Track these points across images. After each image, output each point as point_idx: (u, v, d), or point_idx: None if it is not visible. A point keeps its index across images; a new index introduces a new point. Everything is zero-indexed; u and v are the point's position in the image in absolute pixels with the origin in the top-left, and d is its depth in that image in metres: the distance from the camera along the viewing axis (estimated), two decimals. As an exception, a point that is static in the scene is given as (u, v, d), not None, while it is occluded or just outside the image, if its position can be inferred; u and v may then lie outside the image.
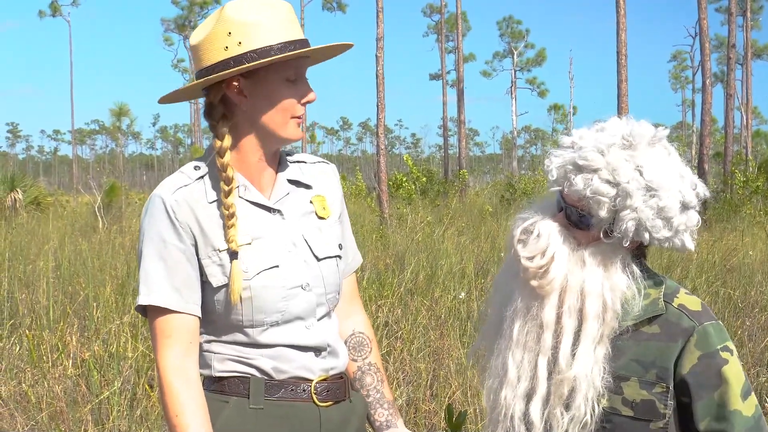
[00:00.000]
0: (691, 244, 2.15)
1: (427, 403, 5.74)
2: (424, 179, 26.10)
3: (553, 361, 2.13)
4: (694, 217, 2.13)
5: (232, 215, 2.20)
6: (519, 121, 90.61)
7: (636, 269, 2.17)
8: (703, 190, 2.15)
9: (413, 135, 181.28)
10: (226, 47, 2.18)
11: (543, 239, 2.15)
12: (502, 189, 30.18)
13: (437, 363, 6.45)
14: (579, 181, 2.10)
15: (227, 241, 2.20)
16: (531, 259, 2.14)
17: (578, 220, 2.15)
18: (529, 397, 2.16)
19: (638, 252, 2.22)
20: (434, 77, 75.85)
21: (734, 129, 33.22)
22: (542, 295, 2.14)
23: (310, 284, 2.30)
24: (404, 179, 24.22)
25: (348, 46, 2.37)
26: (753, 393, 2.13)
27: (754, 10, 57.49)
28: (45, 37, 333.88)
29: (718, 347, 2.11)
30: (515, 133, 73.97)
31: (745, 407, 2.10)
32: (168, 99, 2.37)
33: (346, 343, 2.50)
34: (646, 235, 2.09)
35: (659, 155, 2.11)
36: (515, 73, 75.21)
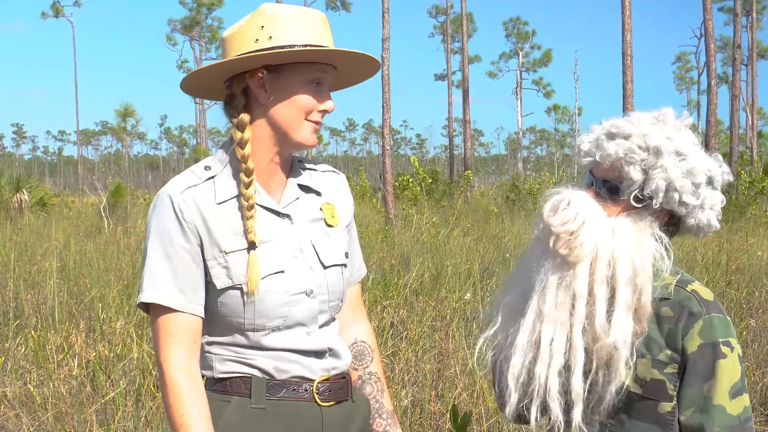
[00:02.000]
0: (716, 223, 2.20)
1: (432, 404, 5.73)
2: (429, 180, 26.12)
3: (589, 331, 2.13)
4: (719, 196, 2.19)
5: (252, 206, 2.21)
6: (524, 121, 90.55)
7: (664, 236, 2.18)
8: (728, 173, 2.21)
9: (418, 136, 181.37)
10: (257, 39, 2.21)
11: (573, 206, 2.16)
12: (507, 190, 30.17)
13: (443, 364, 6.44)
14: (611, 146, 2.17)
15: (246, 232, 2.20)
16: (562, 225, 2.15)
17: (608, 189, 2.19)
18: (567, 370, 2.15)
19: (665, 230, 2.23)
20: (439, 78, 75.95)
21: (739, 129, 33.14)
22: (573, 262, 2.14)
23: (314, 291, 2.30)
24: (410, 180, 24.23)
25: (375, 67, 2.40)
26: (746, 395, 2.12)
27: (758, 10, 57.41)
28: (51, 38, 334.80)
29: (720, 340, 2.11)
30: (520, 133, 73.94)
31: (732, 405, 2.09)
32: (192, 84, 2.35)
33: None
34: (676, 196, 2.13)
35: (687, 136, 2.19)
36: (521, 74, 75.23)
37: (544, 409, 2.19)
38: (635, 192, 2.16)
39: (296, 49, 2.17)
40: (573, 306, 2.14)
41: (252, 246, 2.20)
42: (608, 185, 2.19)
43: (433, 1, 69.25)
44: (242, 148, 2.23)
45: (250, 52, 2.20)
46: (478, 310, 8.12)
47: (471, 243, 13.21)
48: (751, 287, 9.52)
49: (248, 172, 2.22)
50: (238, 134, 2.24)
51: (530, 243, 2.34)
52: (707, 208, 2.17)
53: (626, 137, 2.16)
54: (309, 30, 2.22)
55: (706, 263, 10.69)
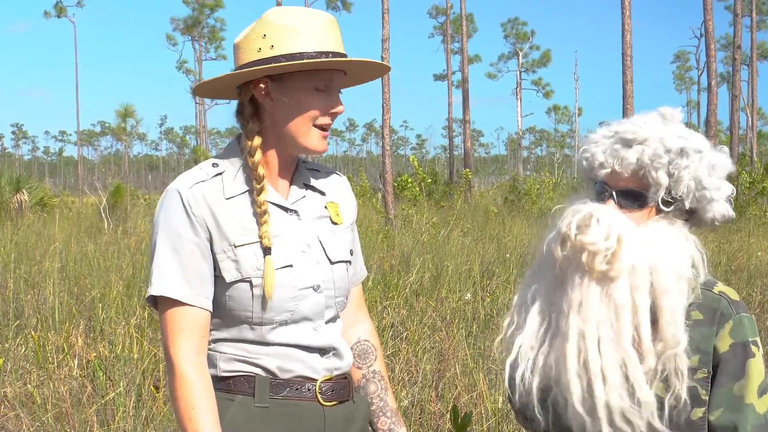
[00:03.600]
0: (732, 212, 2.22)
1: (432, 404, 5.73)
2: (429, 180, 26.11)
3: (639, 343, 2.09)
4: (729, 187, 2.20)
5: (265, 212, 2.23)
6: (524, 122, 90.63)
7: (694, 237, 2.18)
8: (732, 166, 2.22)
9: (418, 136, 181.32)
10: (259, 49, 2.22)
11: (603, 222, 2.12)
12: (507, 190, 30.16)
13: (443, 364, 6.44)
14: (631, 154, 2.15)
15: (260, 237, 2.22)
16: (597, 242, 2.10)
17: (631, 198, 2.17)
18: (629, 382, 2.09)
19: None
20: (439, 78, 75.94)
21: (739, 130, 33.16)
22: (614, 277, 2.10)
23: (321, 286, 2.31)
24: (410, 180, 24.22)
25: (385, 68, 2.41)
26: None
27: (761, 11, 57.38)
28: (52, 38, 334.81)
29: (750, 339, 2.12)
30: (520, 134, 73.97)
31: (760, 404, 2.10)
32: (202, 90, 2.39)
33: (351, 350, 2.51)
34: (707, 194, 2.14)
35: (698, 134, 2.21)
36: (520, 74, 75.25)
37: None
38: (662, 195, 2.15)
39: (295, 62, 2.18)
40: (617, 319, 2.10)
41: (267, 251, 2.21)
42: (630, 194, 2.16)
43: (433, 1, 69.21)
44: (252, 156, 2.25)
45: (252, 62, 2.22)
46: (479, 310, 8.13)
47: (471, 243, 13.21)
48: (751, 287, 9.52)
49: (259, 179, 2.24)
50: (248, 143, 2.26)
51: (541, 261, 2.28)
52: (723, 201, 2.18)
53: (643, 142, 2.14)
54: (314, 36, 2.22)
55: (706, 264, 10.67)
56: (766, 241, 14.33)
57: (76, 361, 6.47)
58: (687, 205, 2.16)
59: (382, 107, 21.02)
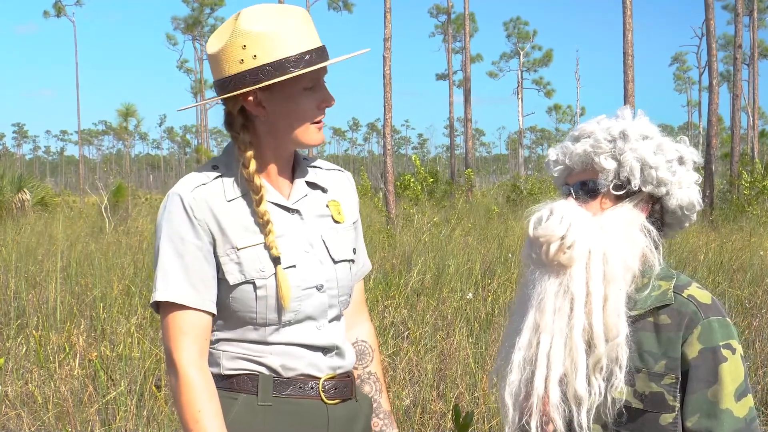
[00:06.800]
0: (699, 200, 2.23)
1: (434, 403, 5.73)
2: (431, 180, 26.11)
3: (587, 330, 2.12)
4: (694, 174, 2.22)
5: (268, 222, 2.22)
6: (525, 121, 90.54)
7: (652, 228, 2.19)
8: (697, 155, 2.25)
9: (420, 135, 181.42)
10: (242, 60, 2.17)
11: (556, 213, 2.18)
12: (508, 189, 30.17)
13: (444, 363, 6.44)
14: (578, 146, 2.23)
15: (268, 247, 2.21)
16: (551, 232, 2.15)
17: (586, 190, 2.21)
18: (569, 377, 2.12)
19: (653, 221, 2.24)
20: (440, 77, 75.90)
21: (740, 129, 33.13)
22: (568, 265, 2.14)
23: (325, 286, 2.31)
24: (411, 180, 24.23)
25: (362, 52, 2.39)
26: (750, 395, 2.11)
27: (760, 9, 57.35)
28: (54, 38, 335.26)
29: (720, 344, 2.10)
30: (521, 133, 73.91)
31: (738, 408, 2.08)
32: (187, 108, 2.39)
33: None
34: (653, 173, 2.16)
35: (647, 123, 2.25)
36: (522, 74, 75.20)
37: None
38: (613, 181, 2.19)
39: (285, 76, 2.16)
40: (571, 309, 2.13)
41: (277, 261, 2.21)
42: (585, 187, 2.21)
43: (434, 0, 69.08)
44: (246, 167, 2.23)
45: (237, 74, 2.18)
46: (480, 309, 8.12)
47: (473, 242, 13.20)
48: (753, 286, 9.51)
49: (257, 190, 2.22)
50: (242, 154, 2.24)
51: (523, 270, 2.33)
52: (685, 187, 2.19)
53: (589, 135, 2.22)
54: (294, 37, 2.19)
55: (708, 263, 10.68)
56: (767, 240, 14.31)
57: (77, 361, 6.47)
58: (635, 185, 2.17)
59: (384, 107, 21.04)
